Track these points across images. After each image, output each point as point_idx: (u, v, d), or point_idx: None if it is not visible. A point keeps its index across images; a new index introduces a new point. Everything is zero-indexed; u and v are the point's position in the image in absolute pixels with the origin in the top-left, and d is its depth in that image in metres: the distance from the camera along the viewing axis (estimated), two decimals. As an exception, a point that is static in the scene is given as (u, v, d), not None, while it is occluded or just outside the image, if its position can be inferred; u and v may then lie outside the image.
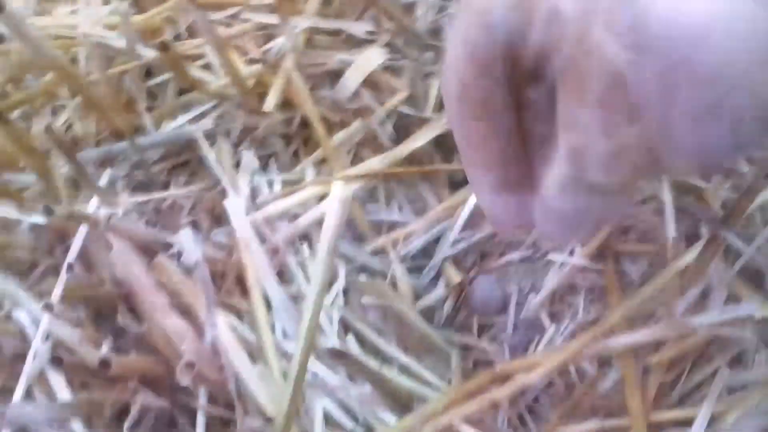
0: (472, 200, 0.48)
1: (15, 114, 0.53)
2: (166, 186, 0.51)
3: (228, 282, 0.44)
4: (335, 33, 0.57)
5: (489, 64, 0.32)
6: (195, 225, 0.48)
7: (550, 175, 0.34)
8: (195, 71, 0.54)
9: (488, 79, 0.33)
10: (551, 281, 0.46)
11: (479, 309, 0.47)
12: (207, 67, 0.56)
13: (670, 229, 0.45)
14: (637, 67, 0.27)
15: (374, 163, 0.49)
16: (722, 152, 0.30)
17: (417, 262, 0.48)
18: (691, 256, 0.43)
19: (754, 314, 0.41)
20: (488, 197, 0.38)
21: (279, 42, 0.55)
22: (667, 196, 0.46)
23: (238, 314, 0.43)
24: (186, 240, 0.40)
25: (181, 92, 0.55)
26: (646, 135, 0.30)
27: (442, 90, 0.35)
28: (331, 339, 0.41)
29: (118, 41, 0.53)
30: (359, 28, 0.56)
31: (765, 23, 0.23)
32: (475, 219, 0.48)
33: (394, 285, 0.46)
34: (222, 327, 0.40)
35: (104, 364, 0.35)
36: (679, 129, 0.29)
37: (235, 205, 0.45)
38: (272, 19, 0.56)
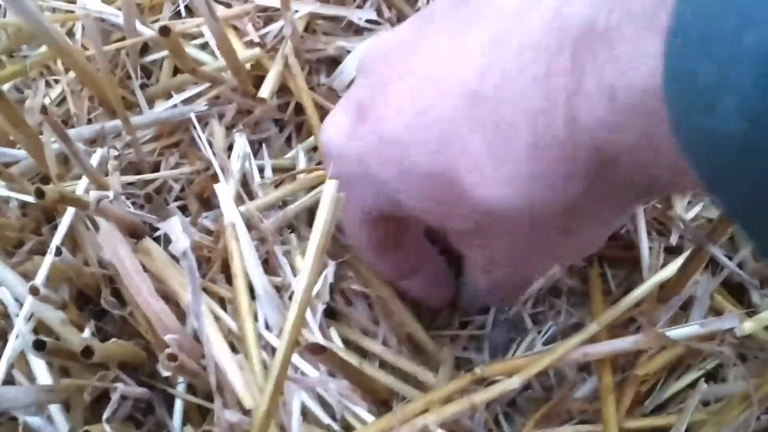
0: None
1: (7, 86, 0.53)
2: (156, 167, 0.50)
3: (213, 268, 0.44)
4: (336, 19, 0.57)
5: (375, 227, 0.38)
6: (183, 208, 0.48)
7: (465, 263, 0.41)
8: (192, 50, 0.54)
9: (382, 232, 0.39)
10: (535, 282, 0.46)
11: (462, 307, 0.47)
12: (205, 46, 0.55)
13: (643, 240, 0.45)
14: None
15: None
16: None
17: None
18: (674, 267, 0.44)
19: (734, 328, 0.41)
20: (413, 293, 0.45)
21: (278, 26, 0.55)
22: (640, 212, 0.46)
23: (222, 302, 0.43)
24: (175, 228, 0.39)
25: (176, 70, 0.55)
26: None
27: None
28: (314, 332, 0.41)
29: (117, 17, 0.53)
30: (360, 16, 0.56)
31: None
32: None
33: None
34: (205, 317, 0.40)
35: (87, 351, 0.35)
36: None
37: (225, 189, 0.45)
38: (273, 1, 0.55)
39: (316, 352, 0.35)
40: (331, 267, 0.43)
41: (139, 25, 0.53)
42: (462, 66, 0.30)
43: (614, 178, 0.28)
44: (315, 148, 0.51)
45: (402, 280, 0.43)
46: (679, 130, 0.22)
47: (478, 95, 0.29)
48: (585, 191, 0.29)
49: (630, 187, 0.29)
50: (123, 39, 0.53)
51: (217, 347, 0.39)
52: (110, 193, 0.42)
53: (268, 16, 0.56)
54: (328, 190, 0.33)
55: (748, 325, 0.41)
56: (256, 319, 0.41)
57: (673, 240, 0.46)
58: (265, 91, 0.50)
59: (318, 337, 0.41)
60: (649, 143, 0.25)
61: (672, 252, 0.45)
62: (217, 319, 0.41)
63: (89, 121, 0.52)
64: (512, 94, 0.28)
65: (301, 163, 0.50)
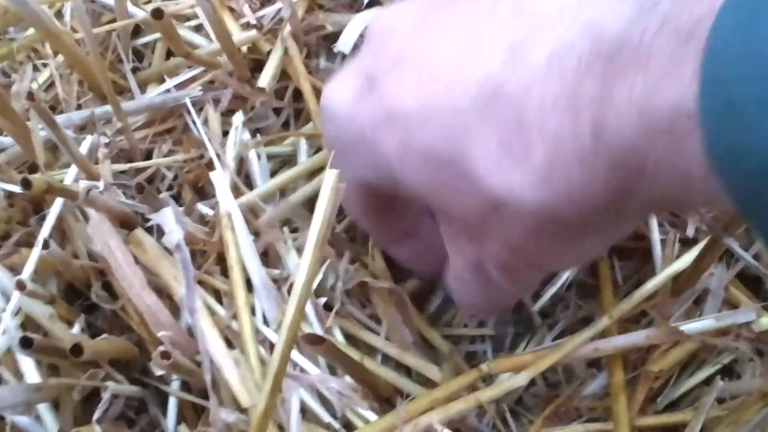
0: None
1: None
2: (148, 154, 0.49)
3: (209, 260, 0.42)
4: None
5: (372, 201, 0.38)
6: (177, 198, 0.47)
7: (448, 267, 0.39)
8: (186, 33, 0.52)
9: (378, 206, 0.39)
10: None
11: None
12: (199, 28, 0.54)
13: (655, 230, 0.44)
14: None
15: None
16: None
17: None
18: (687, 259, 0.42)
19: (751, 322, 0.40)
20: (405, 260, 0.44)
21: (276, 7, 0.53)
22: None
23: (217, 295, 0.41)
24: (168, 219, 0.38)
25: (169, 53, 0.53)
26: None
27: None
28: (314, 327, 0.40)
29: (107, -2, 0.51)
30: (361, -5, 0.54)
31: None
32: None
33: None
34: (200, 311, 0.38)
35: (76, 349, 0.34)
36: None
37: (220, 178, 0.43)
38: (271, -17, 0.54)
39: (314, 342, 0.34)
40: (344, 263, 0.42)
41: (130, 6, 0.51)
42: (484, 60, 0.29)
43: (637, 193, 0.28)
44: (314, 135, 0.49)
45: (394, 244, 0.42)
46: (712, 151, 0.22)
47: (499, 93, 0.28)
48: (603, 202, 0.28)
49: (652, 202, 0.29)
50: (113, 21, 0.52)
51: (212, 343, 0.38)
52: (100, 183, 0.41)
53: (265, -3, 0.55)
54: (329, 180, 0.31)
55: (766, 320, 0.40)
56: (253, 313, 0.40)
57: (690, 231, 0.44)
58: (264, 80, 0.49)
59: (318, 331, 0.39)
60: (677, 162, 0.24)
61: (685, 243, 0.44)
62: (212, 313, 0.40)
63: (78, 107, 0.50)
64: (537, 98, 0.27)
65: (300, 150, 0.48)
